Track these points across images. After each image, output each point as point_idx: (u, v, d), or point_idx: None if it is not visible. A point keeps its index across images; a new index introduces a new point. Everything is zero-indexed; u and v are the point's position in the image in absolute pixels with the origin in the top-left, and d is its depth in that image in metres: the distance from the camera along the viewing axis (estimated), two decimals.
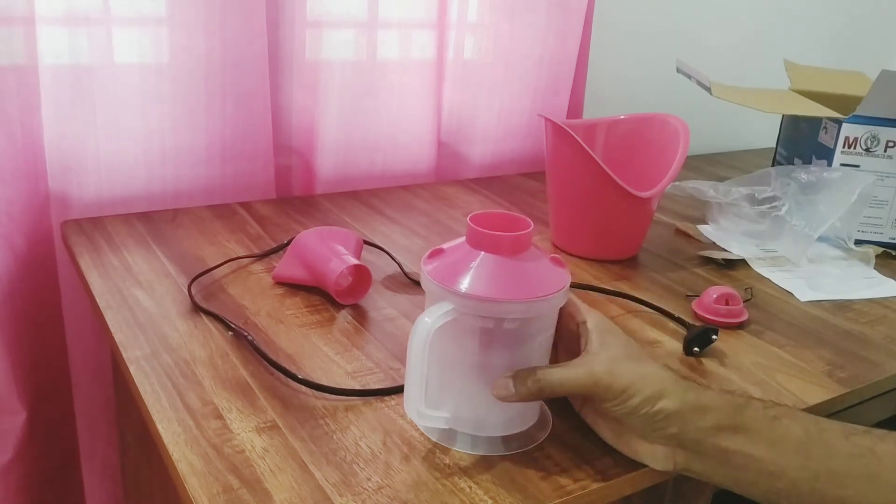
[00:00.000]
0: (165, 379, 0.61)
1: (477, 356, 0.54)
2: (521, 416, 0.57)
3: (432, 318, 0.51)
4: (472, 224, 0.54)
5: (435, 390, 0.55)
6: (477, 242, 0.54)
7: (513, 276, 0.53)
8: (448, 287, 0.52)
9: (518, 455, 0.55)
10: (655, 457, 0.52)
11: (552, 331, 0.56)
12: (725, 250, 0.96)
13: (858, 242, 0.98)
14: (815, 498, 0.49)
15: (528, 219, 0.55)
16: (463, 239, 0.55)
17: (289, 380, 0.62)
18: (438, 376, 0.55)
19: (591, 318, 0.55)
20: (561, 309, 0.56)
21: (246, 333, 0.67)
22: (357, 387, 0.61)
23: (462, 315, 0.52)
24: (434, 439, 0.56)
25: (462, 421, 0.55)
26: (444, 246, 0.56)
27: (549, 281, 0.53)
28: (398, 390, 0.61)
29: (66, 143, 0.90)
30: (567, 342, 0.56)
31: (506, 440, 0.56)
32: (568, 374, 0.52)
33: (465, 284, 0.52)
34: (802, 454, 0.49)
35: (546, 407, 0.60)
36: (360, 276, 0.76)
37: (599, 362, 0.52)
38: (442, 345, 0.54)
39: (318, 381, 0.61)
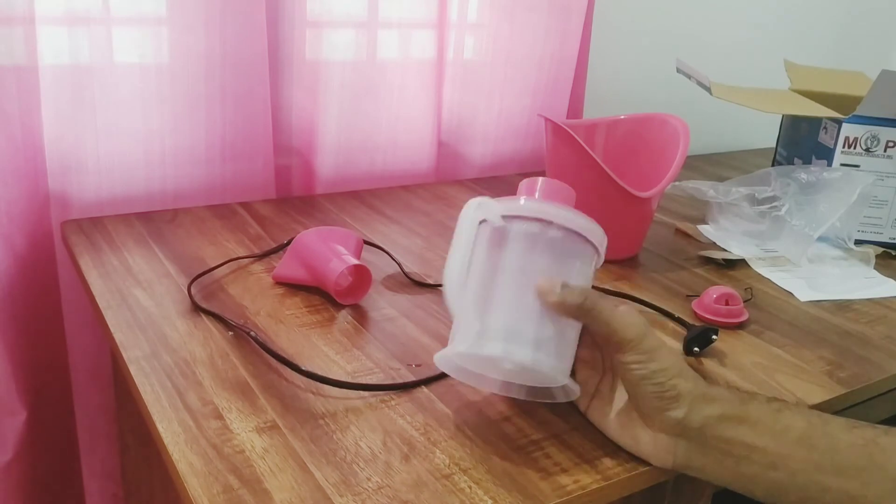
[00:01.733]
0: (165, 379, 0.61)
1: (519, 262, 0.55)
2: (552, 350, 0.54)
3: (478, 201, 0.56)
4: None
5: (482, 295, 0.55)
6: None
7: (569, 201, 0.58)
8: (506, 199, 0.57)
9: (518, 454, 0.55)
10: (657, 448, 0.53)
11: (590, 271, 0.58)
12: (725, 250, 0.96)
13: (858, 242, 0.97)
14: (817, 489, 0.49)
15: None
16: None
17: (289, 380, 0.62)
18: (483, 280, 0.56)
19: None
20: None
21: (248, 330, 0.67)
22: None
23: (509, 220, 0.56)
24: (464, 347, 0.54)
25: (497, 330, 0.54)
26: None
27: (597, 221, 0.57)
28: (400, 387, 0.61)
29: (66, 143, 0.90)
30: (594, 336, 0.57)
31: (530, 390, 0.57)
32: (614, 309, 0.53)
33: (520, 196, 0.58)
34: (805, 445, 0.49)
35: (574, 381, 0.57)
36: (360, 276, 0.76)
37: (639, 324, 0.53)
38: (492, 250, 0.56)
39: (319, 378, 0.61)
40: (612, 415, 0.55)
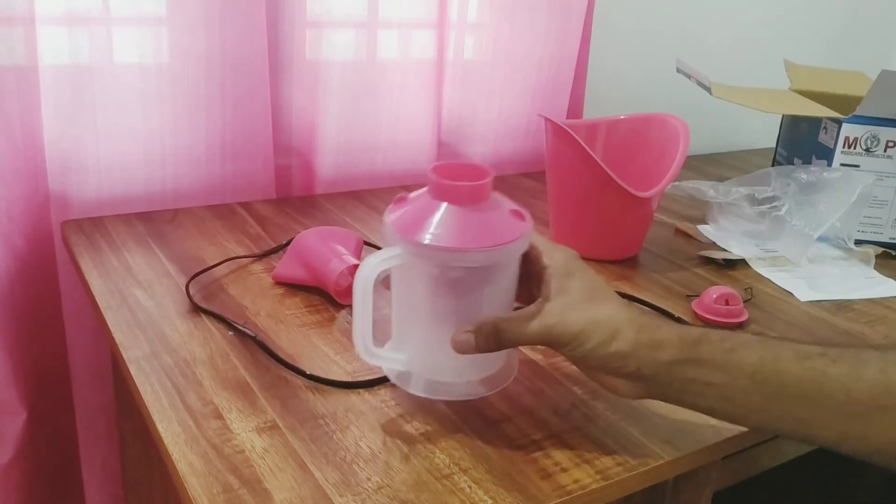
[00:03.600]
0: (165, 379, 0.61)
1: (428, 301, 0.56)
2: (481, 361, 0.57)
3: (376, 260, 0.53)
4: (433, 175, 0.55)
5: (397, 332, 0.59)
6: (437, 194, 0.55)
7: (462, 226, 0.53)
8: (397, 231, 0.54)
9: (518, 454, 0.55)
10: (618, 388, 0.54)
11: (506, 283, 0.56)
12: (725, 250, 0.96)
13: (858, 242, 0.97)
14: (772, 417, 0.52)
15: (489, 169, 0.56)
16: (425, 191, 0.56)
17: (289, 380, 0.62)
18: (398, 319, 0.58)
19: (553, 261, 0.56)
20: (529, 253, 0.57)
21: (252, 333, 0.67)
22: None
23: (410, 260, 0.54)
24: (392, 380, 0.58)
25: (419, 365, 0.57)
26: (410, 195, 0.57)
27: (499, 233, 0.54)
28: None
29: (66, 143, 0.90)
30: (538, 284, 0.57)
31: (465, 386, 0.57)
32: (526, 329, 0.54)
33: (412, 230, 0.53)
34: (757, 380, 0.51)
35: (514, 358, 0.61)
36: None
37: (551, 313, 0.53)
38: (400, 288, 0.56)
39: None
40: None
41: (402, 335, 0.58)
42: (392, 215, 0.55)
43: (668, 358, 0.52)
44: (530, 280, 0.58)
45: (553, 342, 0.53)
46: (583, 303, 0.54)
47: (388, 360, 0.57)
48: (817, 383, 0.50)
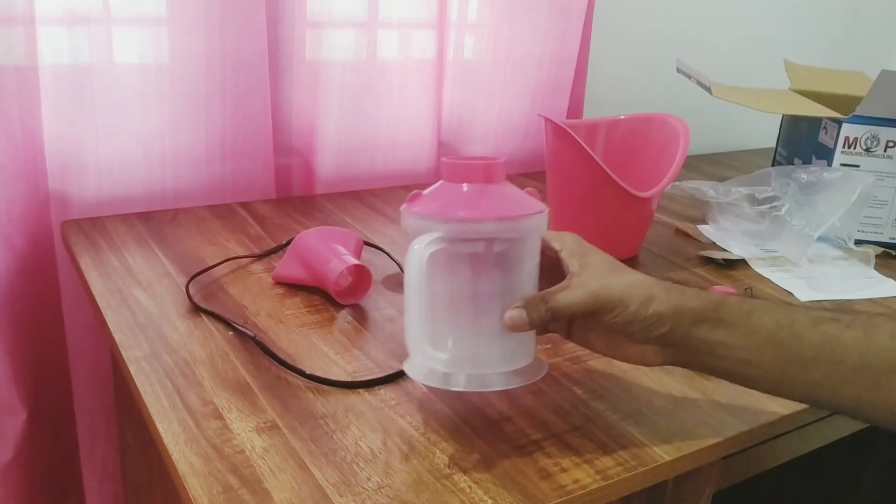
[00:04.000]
0: (165, 379, 0.61)
1: (470, 286, 0.55)
2: (520, 350, 0.57)
3: (423, 244, 0.52)
4: (446, 160, 0.55)
5: (431, 332, 0.55)
6: (454, 176, 0.55)
7: (495, 200, 0.54)
8: (434, 217, 0.53)
9: (518, 454, 0.55)
10: (645, 356, 0.55)
11: (538, 259, 0.57)
12: (725, 250, 0.96)
13: (858, 242, 0.97)
14: (784, 380, 0.53)
15: (499, 158, 0.56)
16: (441, 182, 0.56)
17: (289, 380, 0.62)
18: (432, 318, 0.55)
19: (565, 244, 0.57)
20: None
21: (252, 334, 0.67)
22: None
23: (451, 243, 0.53)
24: (434, 385, 0.55)
25: (460, 361, 0.55)
26: (423, 192, 0.56)
27: (530, 204, 0.55)
28: (390, 379, 0.62)
29: (66, 143, 0.90)
30: (548, 273, 0.58)
31: (506, 376, 0.56)
32: (572, 297, 0.54)
33: (450, 212, 0.53)
34: (773, 343, 0.52)
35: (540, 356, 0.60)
36: (360, 276, 0.76)
37: (591, 281, 0.54)
38: (434, 283, 0.54)
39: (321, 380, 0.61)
40: (597, 338, 0.57)
41: (440, 333, 0.55)
42: (416, 208, 0.54)
43: (696, 318, 0.53)
44: (541, 267, 0.58)
45: (599, 308, 0.53)
46: (610, 273, 0.55)
47: (439, 362, 0.54)
48: (831, 347, 0.51)
